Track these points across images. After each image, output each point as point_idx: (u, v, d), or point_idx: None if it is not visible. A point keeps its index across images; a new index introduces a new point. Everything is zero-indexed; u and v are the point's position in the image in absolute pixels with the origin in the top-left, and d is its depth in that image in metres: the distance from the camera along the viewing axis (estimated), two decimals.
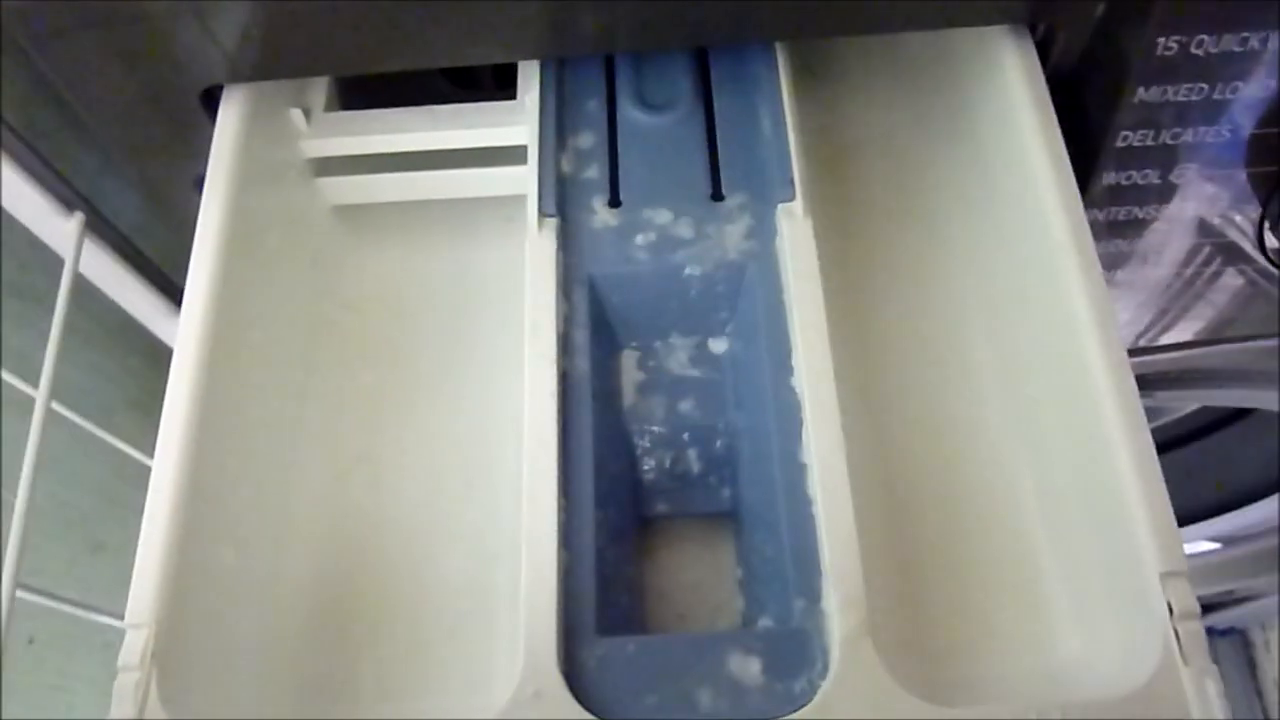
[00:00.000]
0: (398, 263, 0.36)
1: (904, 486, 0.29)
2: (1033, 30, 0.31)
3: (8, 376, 0.39)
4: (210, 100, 0.31)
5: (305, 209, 0.35)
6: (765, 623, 0.26)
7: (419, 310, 0.35)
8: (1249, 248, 0.37)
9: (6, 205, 0.39)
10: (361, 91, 0.36)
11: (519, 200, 0.34)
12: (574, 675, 0.24)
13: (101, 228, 0.41)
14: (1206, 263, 0.37)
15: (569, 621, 0.24)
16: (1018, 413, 0.30)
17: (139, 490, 0.53)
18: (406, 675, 0.29)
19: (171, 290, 0.46)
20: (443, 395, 0.34)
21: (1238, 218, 0.36)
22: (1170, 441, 0.71)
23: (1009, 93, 0.30)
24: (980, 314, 0.32)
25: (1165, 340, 0.46)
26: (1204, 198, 0.33)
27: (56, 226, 0.39)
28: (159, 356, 0.52)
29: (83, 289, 0.43)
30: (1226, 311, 0.44)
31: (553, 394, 0.26)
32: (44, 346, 0.39)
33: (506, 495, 0.31)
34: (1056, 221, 0.28)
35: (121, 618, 0.24)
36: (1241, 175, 0.33)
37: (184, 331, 0.27)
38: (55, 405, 0.38)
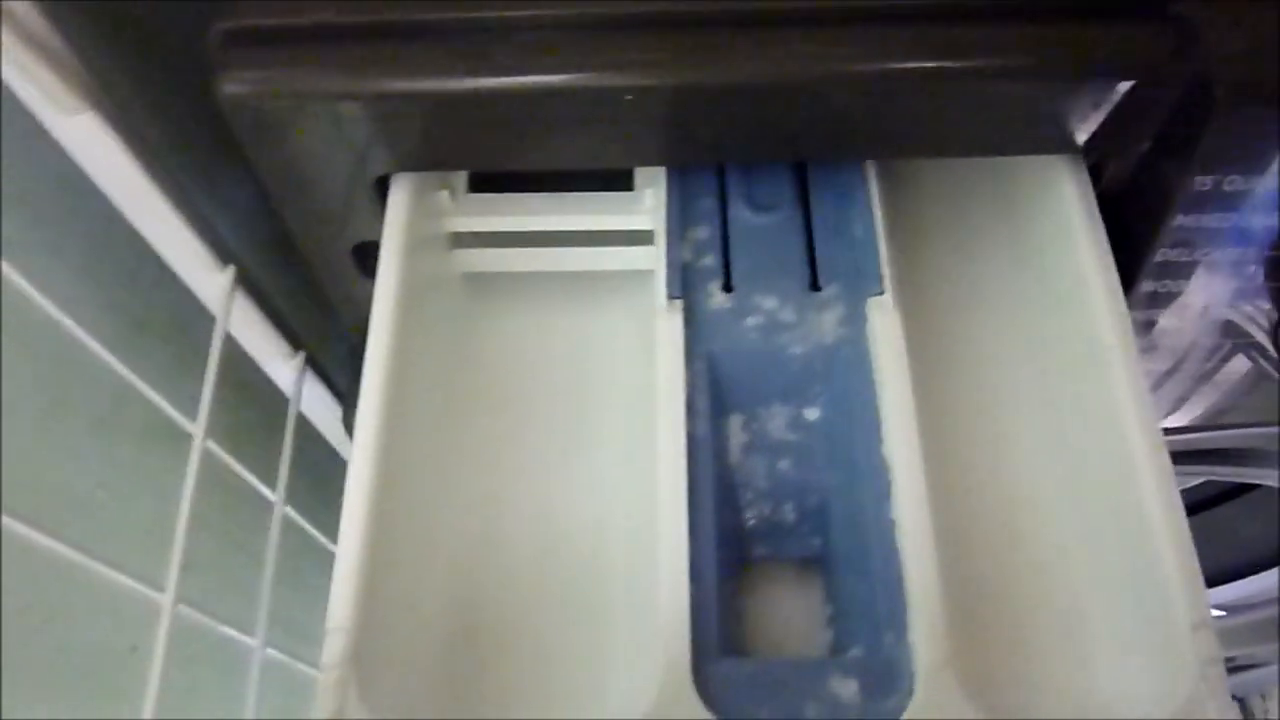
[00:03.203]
0: (519, 327, 0.41)
1: (967, 541, 0.34)
2: (1086, 155, 0.36)
3: (161, 401, 0.44)
4: (380, 184, 0.37)
5: (445, 276, 0.40)
6: (857, 652, 0.30)
7: (537, 369, 0.40)
8: (1262, 337, 0.43)
9: (163, 252, 0.44)
10: (489, 176, 0.42)
11: (628, 275, 0.40)
12: (702, 688, 0.28)
13: (244, 279, 0.46)
14: (1223, 357, 0.43)
15: (696, 643, 0.29)
16: (1065, 481, 0.35)
17: (224, 512, 0.58)
18: (527, 689, 0.34)
19: (290, 334, 0.51)
20: (555, 444, 0.39)
21: (1252, 311, 0.41)
22: None
23: (1065, 211, 0.35)
24: (1033, 393, 0.37)
25: (1172, 422, 0.51)
26: (1225, 302, 0.39)
27: (207, 278, 0.44)
28: (251, 389, 0.56)
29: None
30: (1231, 396, 0.49)
31: (682, 453, 0.31)
32: (150, 378, 0.44)
33: (612, 531, 0.36)
34: (1105, 324, 0.33)
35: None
36: (1260, 280, 0.38)
37: (369, 378, 0.33)
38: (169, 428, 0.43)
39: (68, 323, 0.40)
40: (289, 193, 0.37)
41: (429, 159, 0.36)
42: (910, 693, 0.28)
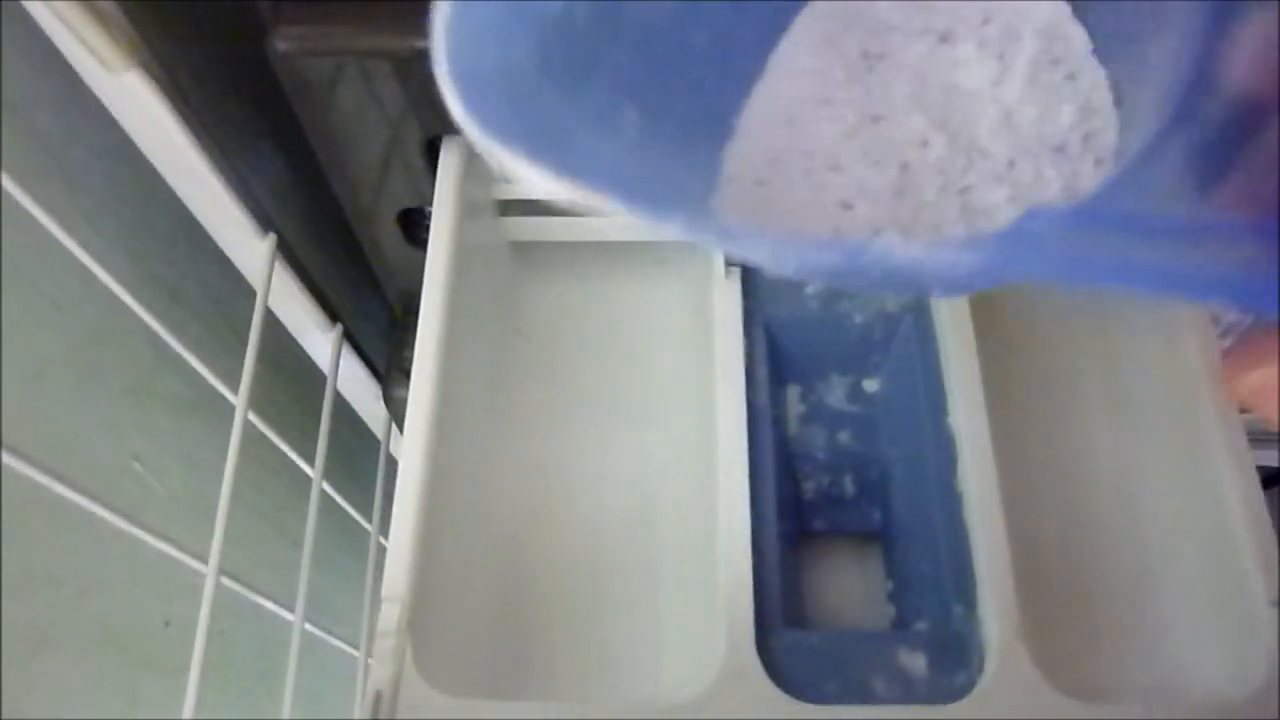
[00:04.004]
0: (567, 297, 0.40)
1: (1035, 515, 0.33)
2: None
3: (200, 366, 0.43)
4: (429, 147, 0.36)
5: (494, 245, 0.39)
6: (923, 626, 0.30)
7: (586, 340, 0.40)
8: None
9: (204, 219, 0.44)
10: None
11: (677, 245, 0.39)
12: (766, 660, 0.28)
13: (283, 249, 0.45)
14: None
15: (760, 614, 0.28)
16: (1135, 452, 0.34)
17: (257, 489, 0.58)
18: (579, 661, 0.33)
19: (328, 307, 0.50)
20: (604, 415, 0.38)
21: None
22: None
23: None
24: (1098, 363, 0.36)
25: None
26: None
27: (247, 247, 0.44)
28: (285, 365, 0.56)
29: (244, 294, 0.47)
30: None
31: (743, 422, 0.31)
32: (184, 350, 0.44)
33: (661, 503, 0.36)
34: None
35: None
36: None
37: (422, 344, 0.32)
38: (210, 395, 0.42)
39: (108, 285, 0.39)
40: (337, 155, 0.36)
41: None
42: (981, 667, 0.28)
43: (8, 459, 0.34)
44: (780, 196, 0.23)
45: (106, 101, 0.37)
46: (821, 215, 0.22)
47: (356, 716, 0.53)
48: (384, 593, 0.28)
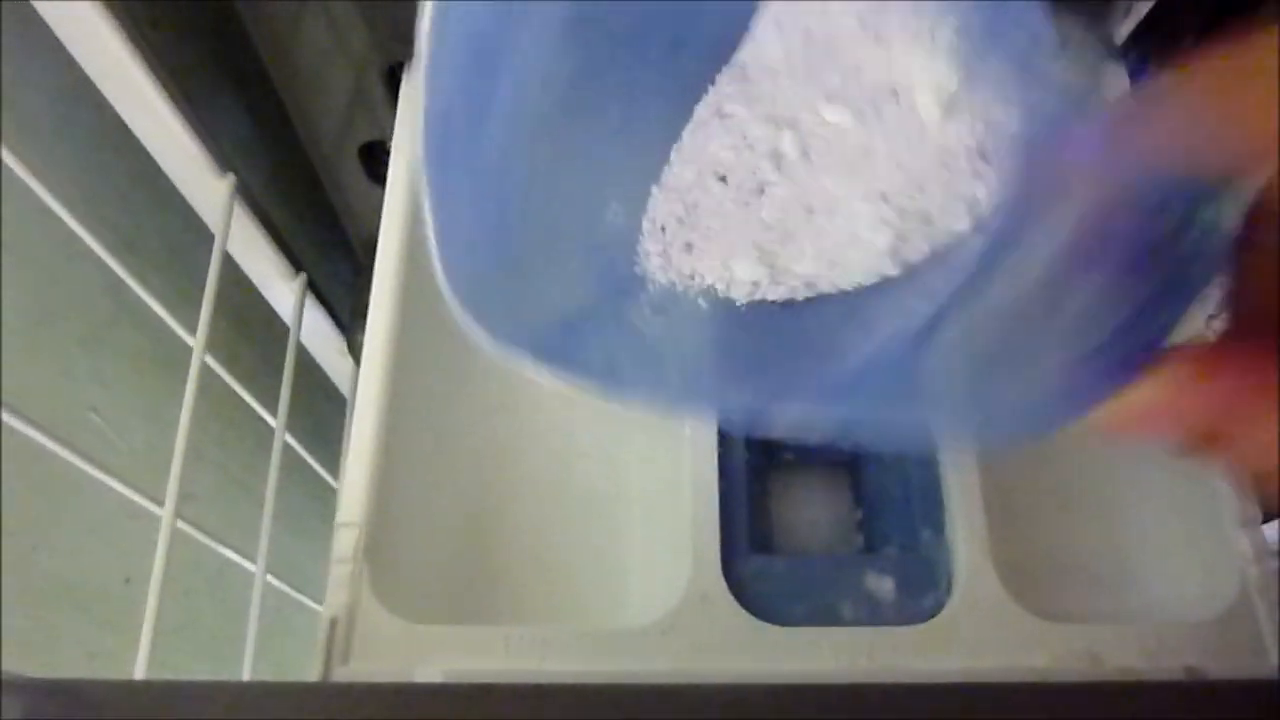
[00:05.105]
0: None
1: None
2: (1124, 58, 0.35)
3: (165, 315, 0.42)
4: (390, 77, 0.35)
5: None
6: (891, 550, 0.29)
7: None
8: None
9: (161, 159, 0.42)
10: None
11: None
12: (733, 585, 0.27)
13: (243, 192, 0.44)
14: None
15: (726, 540, 0.28)
16: None
17: (221, 445, 0.56)
18: (542, 592, 0.33)
19: (292, 256, 0.49)
20: None
21: None
22: None
23: None
24: None
25: None
26: None
27: (206, 186, 0.43)
28: (248, 319, 0.54)
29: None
30: None
31: None
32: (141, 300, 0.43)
33: (627, 441, 0.35)
34: None
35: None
36: None
37: (381, 271, 0.31)
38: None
39: (66, 225, 0.38)
40: (298, 84, 0.35)
41: None
42: (949, 590, 0.27)
43: None
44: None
45: (61, 36, 0.36)
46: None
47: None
48: (339, 518, 0.28)
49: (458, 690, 0.22)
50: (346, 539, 0.27)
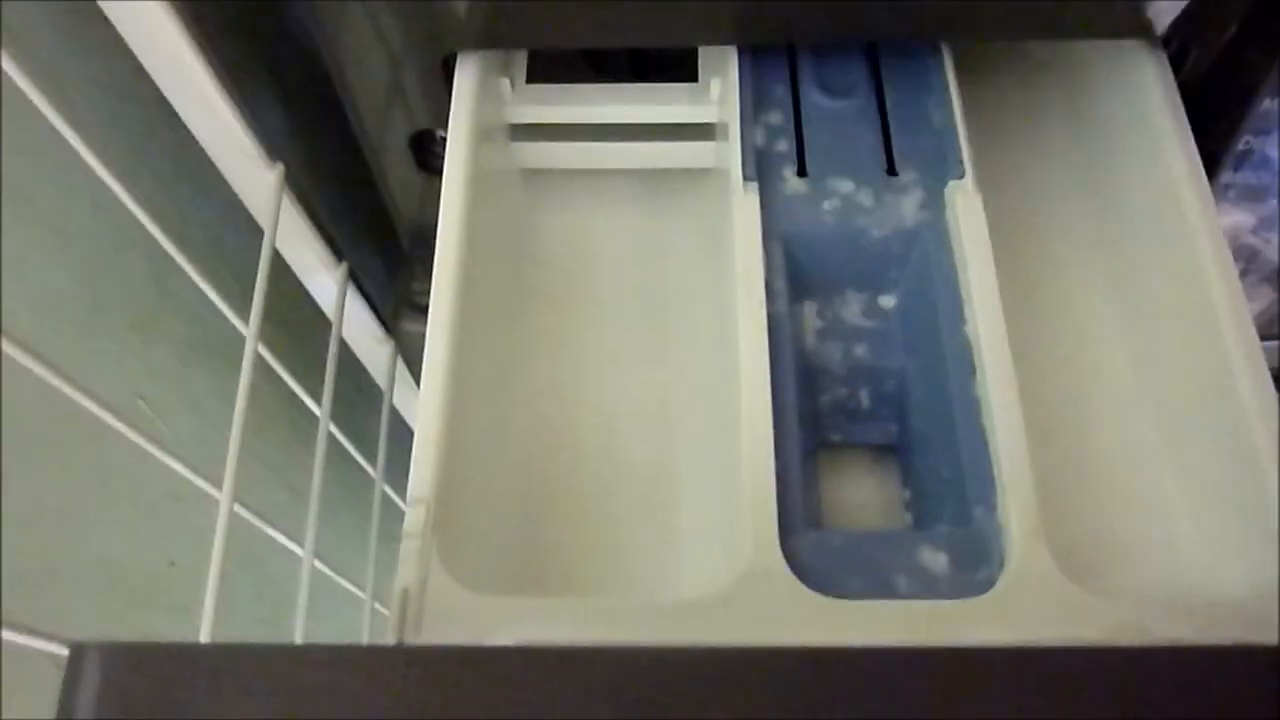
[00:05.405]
0: (579, 225, 0.41)
1: (1048, 423, 0.33)
2: (1166, 44, 0.35)
3: (217, 299, 0.43)
4: (443, 68, 0.36)
5: (505, 170, 0.39)
6: (944, 526, 0.30)
7: (598, 267, 0.40)
8: None
9: (211, 149, 0.43)
10: (545, 71, 0.41)
11: (690, 174, 0.39)
12: (790, 559, 0.28)
13: (290, 181, 0.45)
14: None
15: (783, 515, 0.29)
16: (1145, 364, 0.34)
17: (261, 436, 0.57)
18: (599, 566, 0.34)
19: (333, 245, 0.50)
20: (617, 338, 0.38)
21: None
22: None
23: (1146, 101, 0.35)
24: (1105, 277, 0.36)
25: None
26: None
27: (254, 176, 0.43)
28: (288, 308, 0.55)
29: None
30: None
31: (764, 328, 0.31)
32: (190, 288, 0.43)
33: (680, 408, 0.36)
34: (1192, 215, 0.32)
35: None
36: None
37: (441, 258, 0.32)
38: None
39: (117, 209, 0.39)
40: (351, 73, 0.36)
41: (496, 34, 0.35)
42: (1001, 564, 0.28)
43: (11, 389, 0.34)
44: None
45: (117, 25, 0.37)
46: None
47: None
48: (410, 495, 0.29)
49: (535, 653, 0.22)
50: (417, 515, 0.28)
